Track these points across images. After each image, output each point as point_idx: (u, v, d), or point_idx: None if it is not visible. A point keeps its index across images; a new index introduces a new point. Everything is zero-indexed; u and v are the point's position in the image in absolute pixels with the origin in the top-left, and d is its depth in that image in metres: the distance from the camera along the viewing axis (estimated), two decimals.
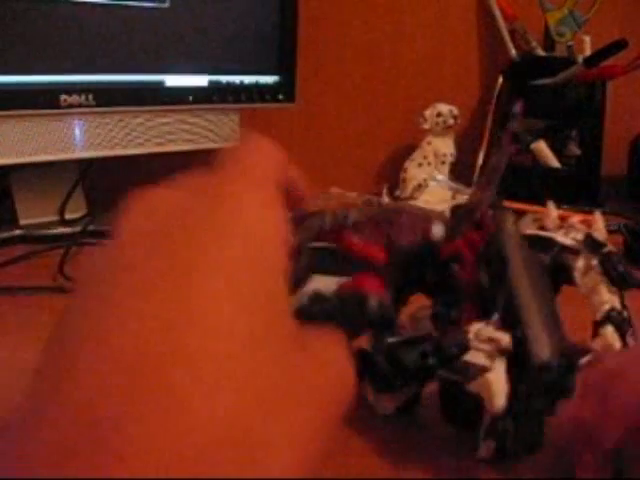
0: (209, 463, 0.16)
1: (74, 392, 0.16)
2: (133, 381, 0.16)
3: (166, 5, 0.78)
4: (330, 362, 0.21)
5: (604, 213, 0.89)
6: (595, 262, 0.43)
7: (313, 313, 0.24)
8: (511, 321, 0.30)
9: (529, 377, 0.30)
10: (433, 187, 0.97)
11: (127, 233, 0.20)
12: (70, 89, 0.73)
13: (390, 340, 0.37)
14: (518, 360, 0.30)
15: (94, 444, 0.15)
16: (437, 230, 0.30)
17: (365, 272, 0.27)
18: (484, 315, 0.32)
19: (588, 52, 1.04)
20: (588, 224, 0.45)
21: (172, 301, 0.17)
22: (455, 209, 0.33)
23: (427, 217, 0.31)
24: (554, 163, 1.01)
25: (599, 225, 0.45)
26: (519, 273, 0.30)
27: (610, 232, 0.78)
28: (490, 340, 0.36)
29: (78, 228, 0.76)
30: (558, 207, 0.87)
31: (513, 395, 0.31)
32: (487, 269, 0.31)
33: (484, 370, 0.35)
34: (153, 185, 0.21)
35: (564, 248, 0.43)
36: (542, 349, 0.29)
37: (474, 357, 0.36)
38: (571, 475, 0.32)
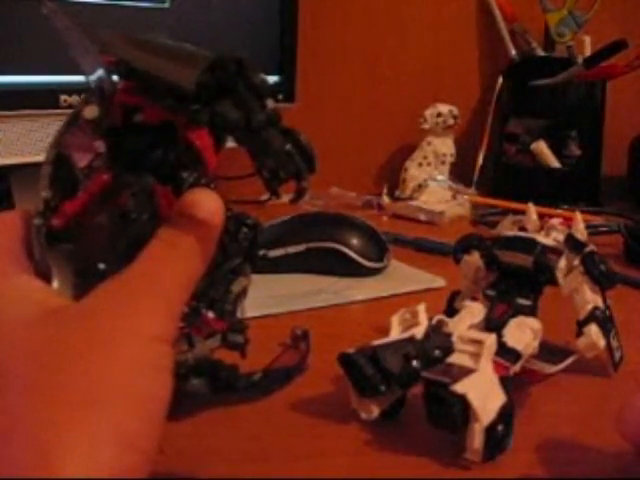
0: None
1: None
2: None
3: (166, 5, 0.78)
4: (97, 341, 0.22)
5: (604, 213, 0.90)
6: (577, 262, 0.43)
7: None
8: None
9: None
10: (433, 187, 0.97)
11: None
12: (70, 89, 0.73)
13: (374, 344, 0.37)
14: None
15: None
16: (89, 112, 0.27)
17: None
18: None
19: (588, 52, 1.04)
20: (568, 225, 0.46)
21: None
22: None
23: (76, 114, 0.27)
24: (554, 163, 1.00)
25: (579, 225, 0.45)
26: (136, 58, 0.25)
27: (610, 232, 0.79)
28: (474, 342, 0.37)
29: None
30: (558, 207, 0.87)
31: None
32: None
33: (469, 371, 0.35)
34: None
35: (546, 249, 0.43)
36: (183, 78, 0.24)
37: (458, 359, 0.36)
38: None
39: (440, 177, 0.98)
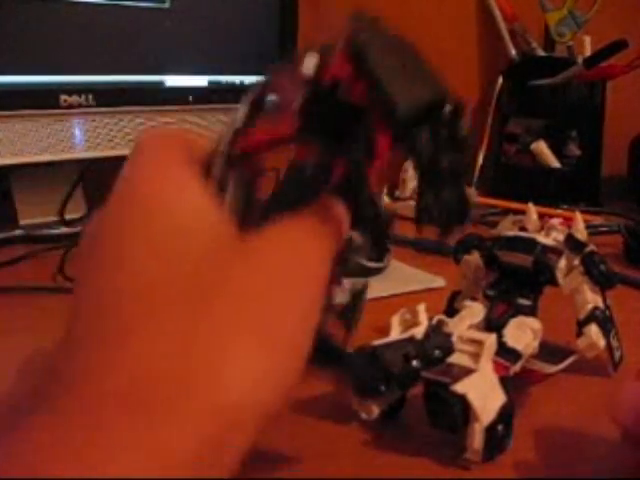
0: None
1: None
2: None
3: (166, 5, 0.78)
4: (280, 256, 0.23)
5: (604, 213, 0.90)
6: (577, 262, 0.43)
7: None
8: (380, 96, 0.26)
9: (411, 139, 0.27)
10: None
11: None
12: (70, 89, 0.73)
13: (374, 344, 0.37)
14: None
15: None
16: (308, 64, 0.28)
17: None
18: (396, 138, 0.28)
19: (588, 52, 1.04)
20: (568, 225, 0.46)
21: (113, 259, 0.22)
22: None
23: (294, 63, 0.28)
24: (554, 163, 1.00)
25: (579, 225, 0.45)
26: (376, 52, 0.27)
27: (610, 232, 0.79)
28: (474, 342, 0.37)
29: (78, 228, 0.76)
30: (558, 207, 0.87)
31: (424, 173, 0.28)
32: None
33: (469, 371, 0.35)
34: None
35: (546, 248, 0.43)
36: (403, 100, 0.26)
37: (458, 359, 0.36)
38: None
39: None
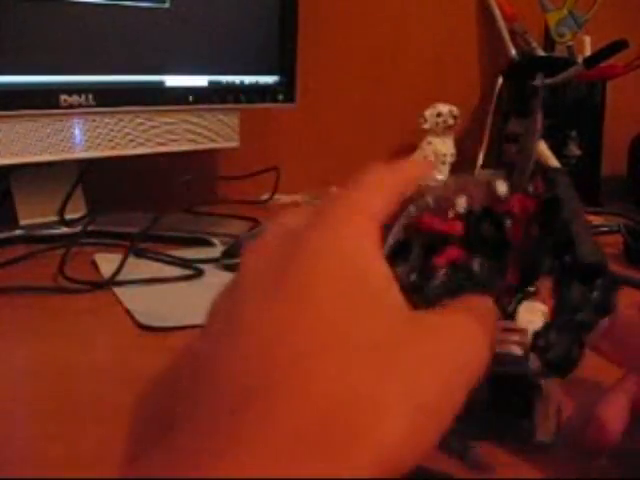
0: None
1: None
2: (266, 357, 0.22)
3: (166, 5, 0.78)
4: (450, 332, 0.25)
5: (604, 213, 0.90)
6: None
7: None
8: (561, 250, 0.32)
9: (577, 284, 0.32)
10: None
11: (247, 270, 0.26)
12: (70, 89, 0.73)
13: None
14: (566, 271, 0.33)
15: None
16: (501, 186, 0.34)
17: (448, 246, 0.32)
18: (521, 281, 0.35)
19: (588, 52, 1.04)
20: None
21: (294, 300, 0.23)
22: (509, 170, 0.35)
23: (489, 179, 0.34)
24: (554, 163, 1.01)
25: None
26: (573, 211, 0.34)
27: (610, 232, 0.79)
28: (515, 330, 0.37)
29: (78, 228, 0.76)
30: None
31: (559, 307, 0.33)
32: (540, 230, 0.33)
33: (520, 358, 0.36)
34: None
35: None
36: (592, 254, 0.32)
37: (507, 348, 0.37)
38: None
39: (440, 177, 0.98)
